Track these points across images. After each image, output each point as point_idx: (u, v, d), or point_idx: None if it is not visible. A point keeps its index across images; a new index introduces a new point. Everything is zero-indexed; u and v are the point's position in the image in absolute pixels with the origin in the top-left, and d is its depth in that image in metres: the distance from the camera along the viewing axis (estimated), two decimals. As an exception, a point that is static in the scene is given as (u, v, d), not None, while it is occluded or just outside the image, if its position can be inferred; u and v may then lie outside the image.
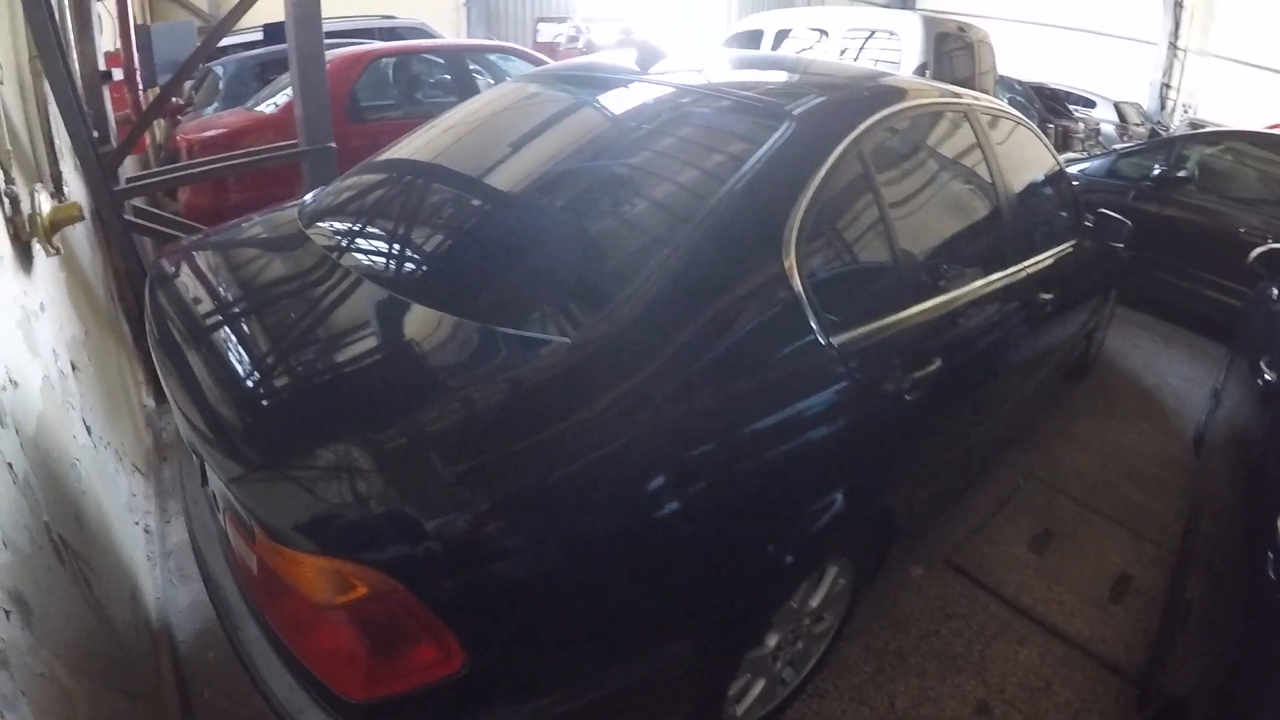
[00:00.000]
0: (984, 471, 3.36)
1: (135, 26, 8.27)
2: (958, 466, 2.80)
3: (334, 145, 4.47)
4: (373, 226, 2.26)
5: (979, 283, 2.58)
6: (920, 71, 7.86)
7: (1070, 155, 7.62)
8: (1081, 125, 11.06)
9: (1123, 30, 18.17)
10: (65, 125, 3.10)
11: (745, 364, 1.72)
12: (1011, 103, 10.51)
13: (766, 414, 1.74)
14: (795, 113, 2.12)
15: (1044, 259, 3.09)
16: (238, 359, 1.68)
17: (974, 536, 3.21)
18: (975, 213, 2.76)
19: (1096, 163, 7.08)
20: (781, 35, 9.18)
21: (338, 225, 2.26)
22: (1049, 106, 10.65)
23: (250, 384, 1.60)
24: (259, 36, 10.43)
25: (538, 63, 7.70)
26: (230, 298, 2.02)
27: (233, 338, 1.78)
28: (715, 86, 2.45)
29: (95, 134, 4.11)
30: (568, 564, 1.40)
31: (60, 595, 1.80)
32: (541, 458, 1.38)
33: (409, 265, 2.01)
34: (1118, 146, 7.51)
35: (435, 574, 1.25)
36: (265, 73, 8.19)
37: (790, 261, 1.84)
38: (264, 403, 1.54)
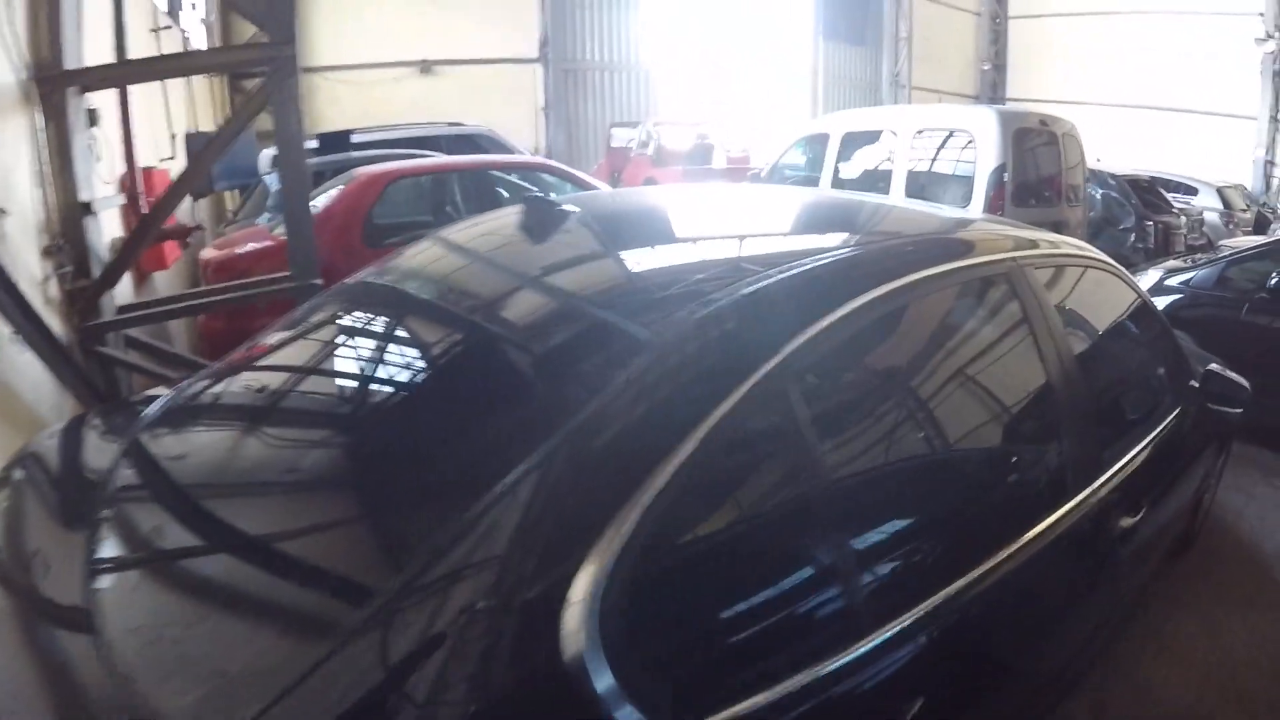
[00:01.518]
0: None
1: (187, 134, 8.43)
2: None
3: (320, 282, 4.18)
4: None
5: (1008, 551, 1.75)
6: (998, 173, 7.27)
7: (1170, 264, 6.82)
8: (1183, 219, 10.16)
9: (1219, 107, 17.11)
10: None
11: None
12: (1105, 200, 9.73)
13: None
14: (668, 335, 1.44)
15: (1129, 462, 2.28)
16: None
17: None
18: (1010, 437, 2.02)
19: (1203, 272, 6.27)
20: (850, 140, 8.69)
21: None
22: (1146, 201, 9.80)
23: None
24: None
25: (577, 182, 7.37)
26: None
27: None
28: (580, 279, 1.88)
29: (70, 269, 4.15)
30: None
31: None
32: None
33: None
34: (1225, 249, 6.70)
35: None
36: (315, 183, 8.15)
37: (582, 592, 1.15)
38: None
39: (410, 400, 1.77)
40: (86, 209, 4.29)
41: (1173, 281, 6.35)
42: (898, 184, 7.87)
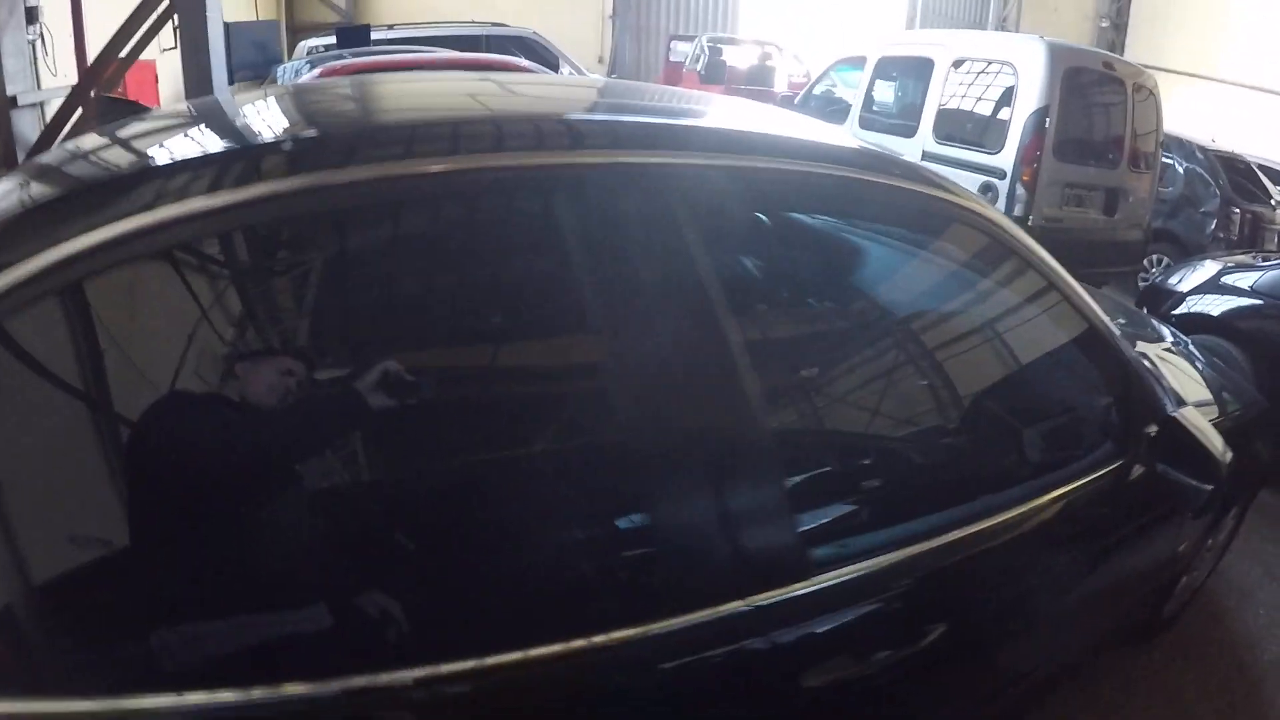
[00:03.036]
0: None
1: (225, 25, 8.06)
2: None
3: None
4: None
5: None
6: (1038, 118, 6.05)
7: (1235, 257, 5.52)
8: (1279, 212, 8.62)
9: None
10: None
11: None
12: (1188, 175, 8.26)
13: None
14: None
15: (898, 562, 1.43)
16: None
17: None
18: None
19: (1275, 273, 4.97)
20: (885, 66, 7.52)
21: None
22: (1236, 184, 8.29)
23: None
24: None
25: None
26: None
27: None
28: None
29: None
30: None
31: None
32: None
33: None
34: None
35: None
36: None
37: None
38: None
39: None
40: (13, 102, 4.66)
41: (1233, 280, 5.05)
42: (926, 121, 6.74)
